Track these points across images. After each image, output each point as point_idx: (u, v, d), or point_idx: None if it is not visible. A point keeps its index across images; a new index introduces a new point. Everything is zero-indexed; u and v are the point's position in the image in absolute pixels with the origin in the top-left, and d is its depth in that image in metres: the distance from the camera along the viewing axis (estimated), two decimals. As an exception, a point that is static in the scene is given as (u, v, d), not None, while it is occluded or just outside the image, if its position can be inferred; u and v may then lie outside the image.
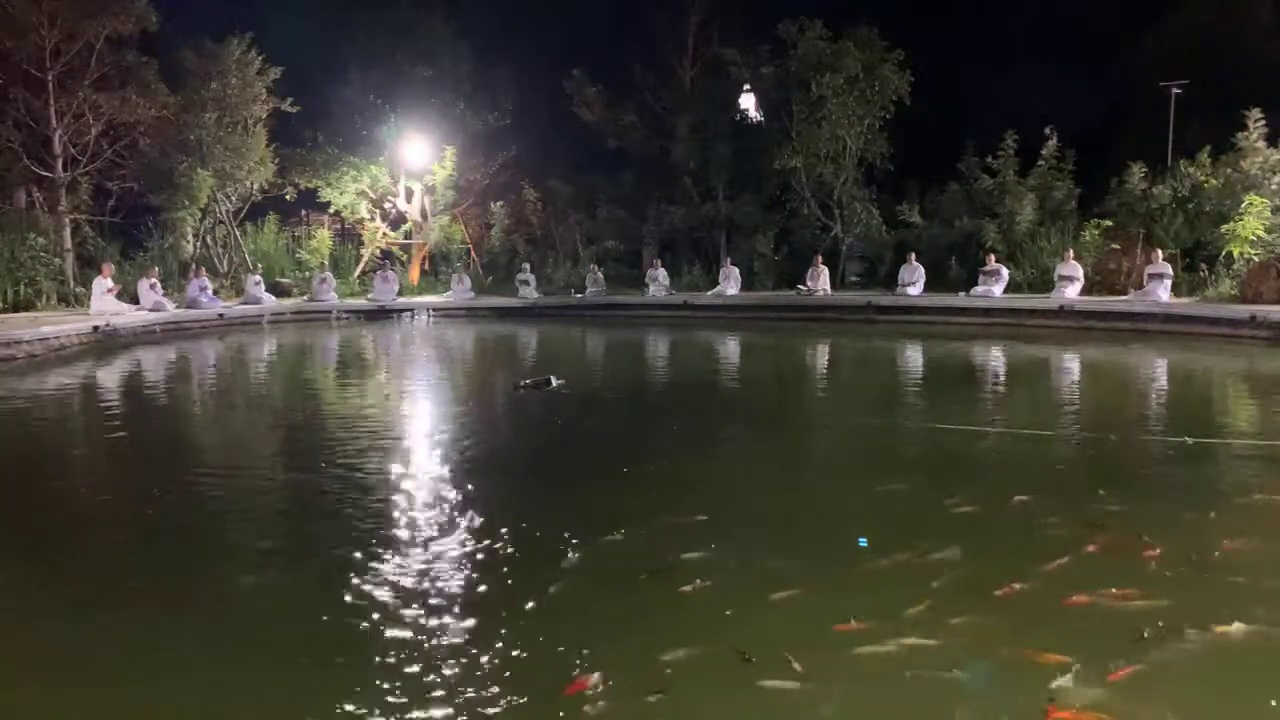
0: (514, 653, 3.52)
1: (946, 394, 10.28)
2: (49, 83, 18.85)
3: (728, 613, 3.87)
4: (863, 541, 4.71)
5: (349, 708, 3.13)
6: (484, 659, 3.46)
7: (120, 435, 8.50)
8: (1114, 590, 3.98)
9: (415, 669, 3.38)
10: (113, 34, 19.46)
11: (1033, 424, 7.93)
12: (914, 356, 13.75)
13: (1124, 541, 4.65)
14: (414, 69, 23.58)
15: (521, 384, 10.08)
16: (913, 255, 19.64)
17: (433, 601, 4.01)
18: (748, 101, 24.92)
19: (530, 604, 3.96)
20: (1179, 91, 20.65)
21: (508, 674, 3.34)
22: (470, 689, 3.24)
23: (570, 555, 4.56)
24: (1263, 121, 17.72)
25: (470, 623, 3.79)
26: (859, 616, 3.75)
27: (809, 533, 5.09)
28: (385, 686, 3.26)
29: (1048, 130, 20.13)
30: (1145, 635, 3.56)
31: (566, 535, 4.81)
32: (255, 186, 22.69)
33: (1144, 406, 9.59)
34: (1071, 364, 12.44)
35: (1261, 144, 17.68)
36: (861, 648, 3.52)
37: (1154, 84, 20.99)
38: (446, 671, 3.37)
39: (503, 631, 3.69)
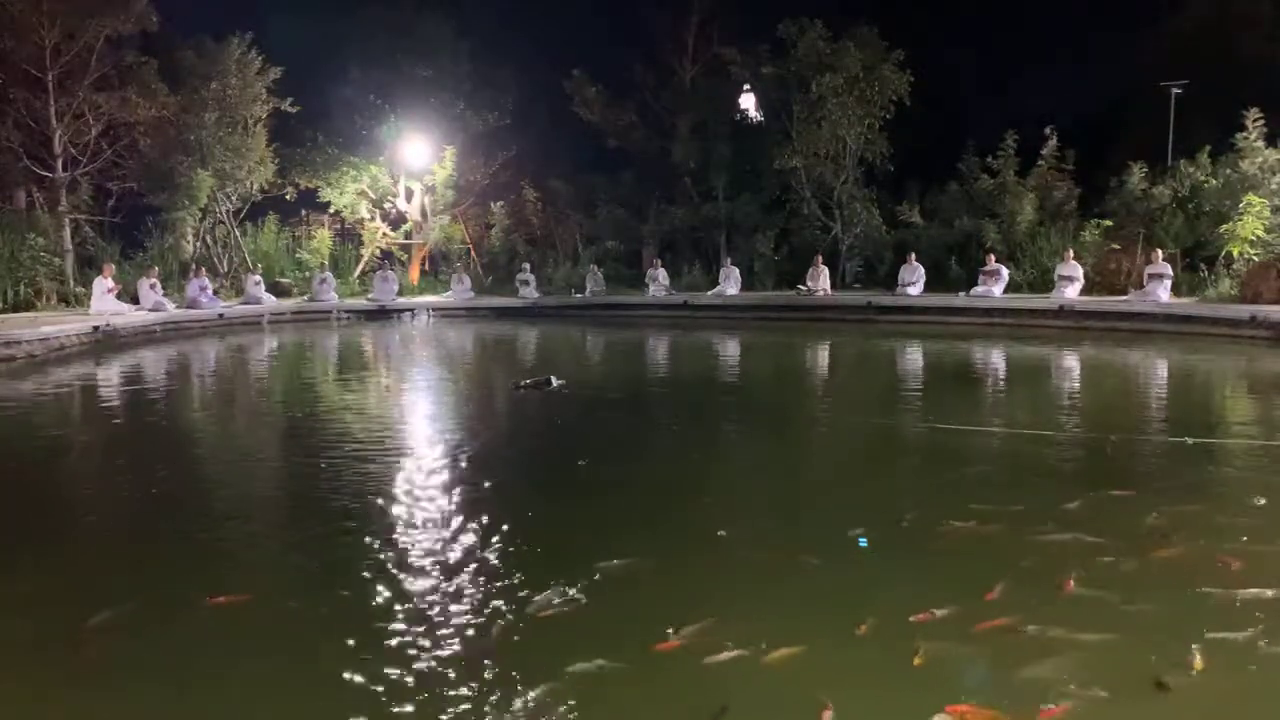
0: (462, 679, 3.28)
1: (945, 394, 10.28)
2: (49, 83, 18.87)
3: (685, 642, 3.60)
4: (863, 542, 4.71)
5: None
6: (415, 693, 3.21)
7: (119, 435, 8.49)
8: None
9: (343, 694, 3.21)
10: (112, 34, 19.51)
11: (1031, 424, 7.92)
12: (914, 357, 13.74)
13: (1090, 550, 4.54)
14: (414, 69, 23.61)
15: (521, 384, 10.07)
16: (913, 255, 19.63)
17: (396, 618, 3.83)
18: (748, 101, 24.96)
19: (504, 618, 3.82)
20: (1179, 91, 20.66)
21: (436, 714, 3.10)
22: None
23: (557, 561, 4.49)
24: (1262, 121, 17.71)
25: (424, 640, 3.62)
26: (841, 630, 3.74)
27: (808, 533, 5.07)
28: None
29: (1048, 130, 20.15)
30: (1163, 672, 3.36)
31: (558, 540, 4.80)
32: (255, 186, 22.72)
33: (1144, 407, 9.57)
34: (1071, 364, 12.43)
35: (1261, 144, 17.67)
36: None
37: (1154, 84, 20.99)
38: (374, 694, 3.21)
39: (450, 653, 3.51)
